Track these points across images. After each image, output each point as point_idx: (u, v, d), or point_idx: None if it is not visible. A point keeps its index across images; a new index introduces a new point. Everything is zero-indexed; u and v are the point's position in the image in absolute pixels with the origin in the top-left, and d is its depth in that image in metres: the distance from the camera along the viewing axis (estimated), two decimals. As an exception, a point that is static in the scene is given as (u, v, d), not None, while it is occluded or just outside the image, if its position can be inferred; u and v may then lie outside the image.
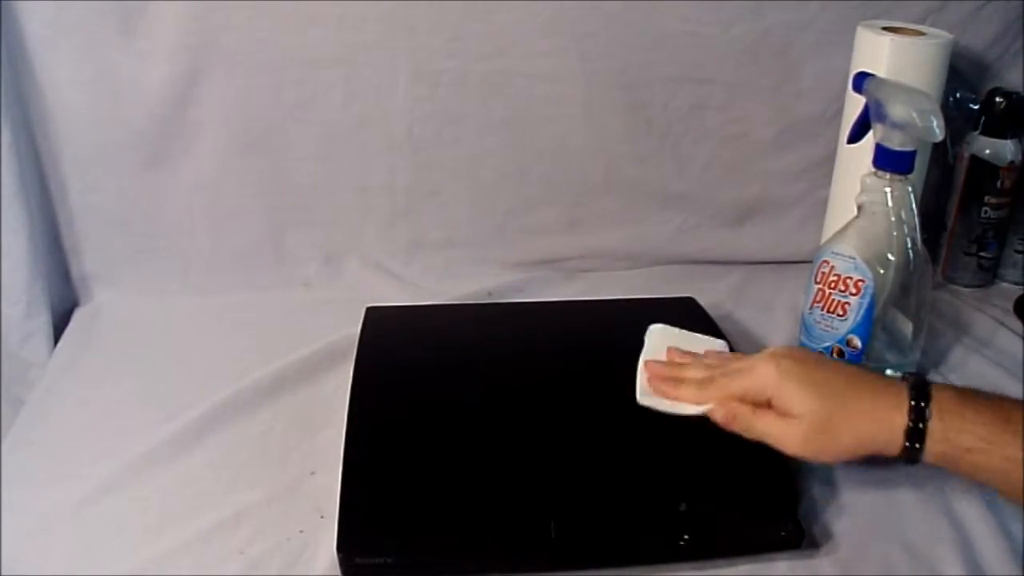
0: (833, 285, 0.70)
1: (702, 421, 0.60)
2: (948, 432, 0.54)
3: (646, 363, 0.65)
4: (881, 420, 0.55)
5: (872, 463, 0.59)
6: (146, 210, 0.87)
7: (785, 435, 0.57)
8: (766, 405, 0.58)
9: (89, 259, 0.88)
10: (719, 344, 0.69)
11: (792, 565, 0.58)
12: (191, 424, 0.69)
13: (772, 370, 0.58)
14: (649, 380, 0.63)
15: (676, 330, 0.69)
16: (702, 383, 0.61)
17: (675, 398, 0.61)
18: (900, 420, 0.55)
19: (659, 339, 0.68)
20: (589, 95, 0.89)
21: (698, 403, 0.60)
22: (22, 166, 0.79)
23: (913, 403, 0.55)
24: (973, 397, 0.56)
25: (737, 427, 0.59)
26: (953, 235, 0.94)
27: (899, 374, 0.74)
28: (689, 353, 0.66)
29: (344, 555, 0.55)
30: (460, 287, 0.90)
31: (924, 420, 0.54)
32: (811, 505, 0.62)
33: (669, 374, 0.64)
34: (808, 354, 0.62)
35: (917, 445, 0.54)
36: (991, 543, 0.59)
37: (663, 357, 0.66)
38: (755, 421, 0.58)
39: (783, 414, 0.57)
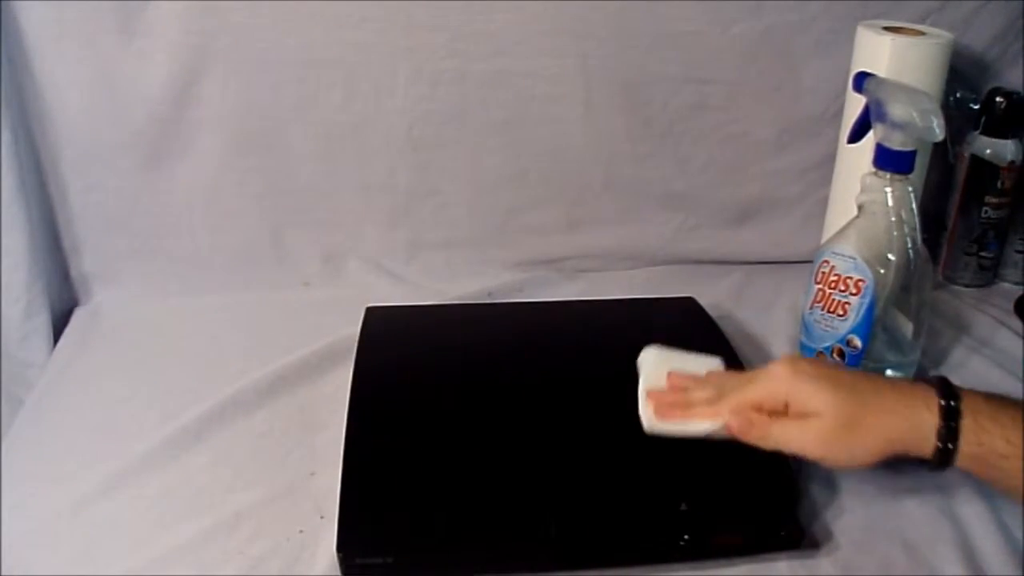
0: (833, 285, 0.70)
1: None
2: (981, 434, 0.52)
3: (648, 393, 0.60)
4: (910, 418, 0.53)
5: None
6: (146, 210, 0.87)
7: (806, 436, 0.54)
8: (783, 413, 0.56)
9: (89, 259, 0.88)
10: (715, 362, 0.65)
11: (792, 565, 0.58)
12: (191, 424, 0.69)
13: (787, 371, 0.56)
14: (656, 410, 0.59)
15: (670, 352, 0.65)
16: (711, 402, 0.58)
17: (688, 419, 0.58)
18: (931, 419, 0.52)
19: (655, 365, 0.63)
20: (589, 95, 0.89)
21: (712, 418, 0.57)
22: (22, 166, 0.79)
23: (943, 402, 0.53)
24: (1001, 400, 0.54)
25: (754, 436, 0.55)
26: (953, 235, 0.94)
27: (899, 374, 0.74)
28: (691, 376, 0.62)
29: (344, 555, 0.55)
30: (460, 287, 0.90)
31: (956, 419, 0.52)
32: (811, 505, 0.62)
33: (676, 400, 0.60)
34: (823, 361, 0.60)
35: (950, 445, 0.52)
36: (991, 543, 0.59)
37: (663, 383, 0.62)
38: (772, 427, 0.55)
39: (802, 415, 0.55)
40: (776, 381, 0.56)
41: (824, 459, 0.55)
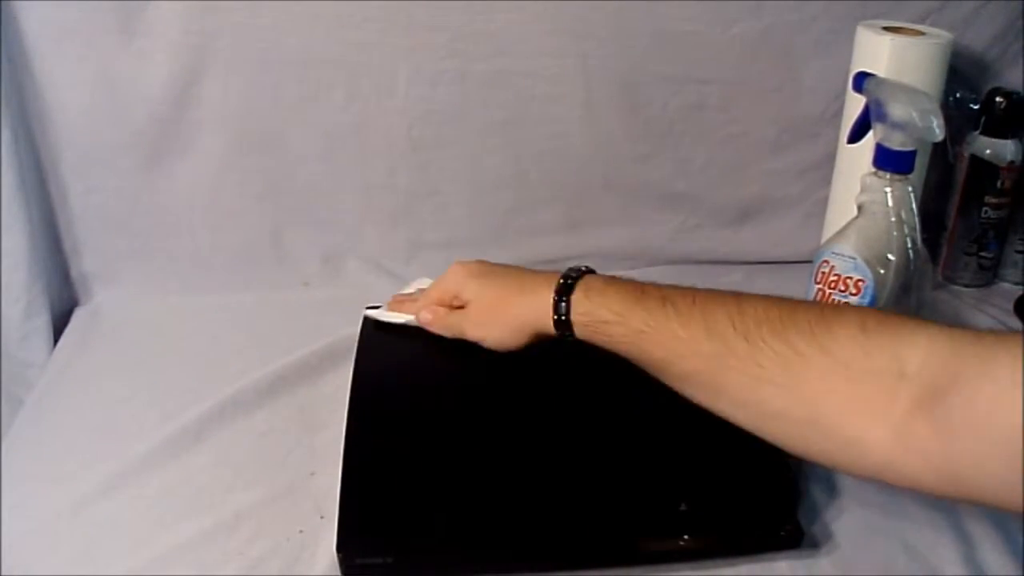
0: (833, 285, 0.70)
1: (700, 423, 0.59)
2: (590, 306, 0.60)
3: (394, 298, 0.76)
4: (536, 299, 0.62)
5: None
6: (146, 210, 0.87)
7: (466, 321, 0.67)
8: (461, 307, 0.68)
9: (89, 259, 0.88)
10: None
11: (792, 565, 0.58)
12: (191, 424, 0.69)
13: (459, 270, 0.69)
14: (388, 307, 0.75)
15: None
16: (416, 300, 0.72)
17: (398, 311, 0.73)
18: (549, 296, 0.62)
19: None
20: (589, 95, 0.89)
21: (410, 312, 0.71)
22: (22, 166, 0.79)
23: (562, 281, 0.62)
24: (620, 280, 0.62)
25: (437, 325, 0.69)
26: (953, 235, 0.94)
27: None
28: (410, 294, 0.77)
29: (344, 555, 0.55)
30: (460, 287, 0.90)
31: (568, 294, 0.61)
32: (811, 505, 0.62)
33: (402, 300, 0.75)
34: (493, 263, 0.70)
35: (563, 317, 0.61)
36: (991, 543, 0.59)
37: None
38: (448, 317, 0.68)
39: (465, 305, 0.67)
40: (448, 280, 0.69)
41: (481, 339, 0.66)
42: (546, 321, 0.62)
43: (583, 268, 0.64)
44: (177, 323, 0.85)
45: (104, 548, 0.58)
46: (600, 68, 0.88)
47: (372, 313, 0.75)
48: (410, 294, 0.76)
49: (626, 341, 0.59)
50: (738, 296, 0.57)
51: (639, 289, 0.60)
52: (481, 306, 0.67)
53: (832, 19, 0.88)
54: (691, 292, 0.59)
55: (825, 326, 0.51)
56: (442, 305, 0.69)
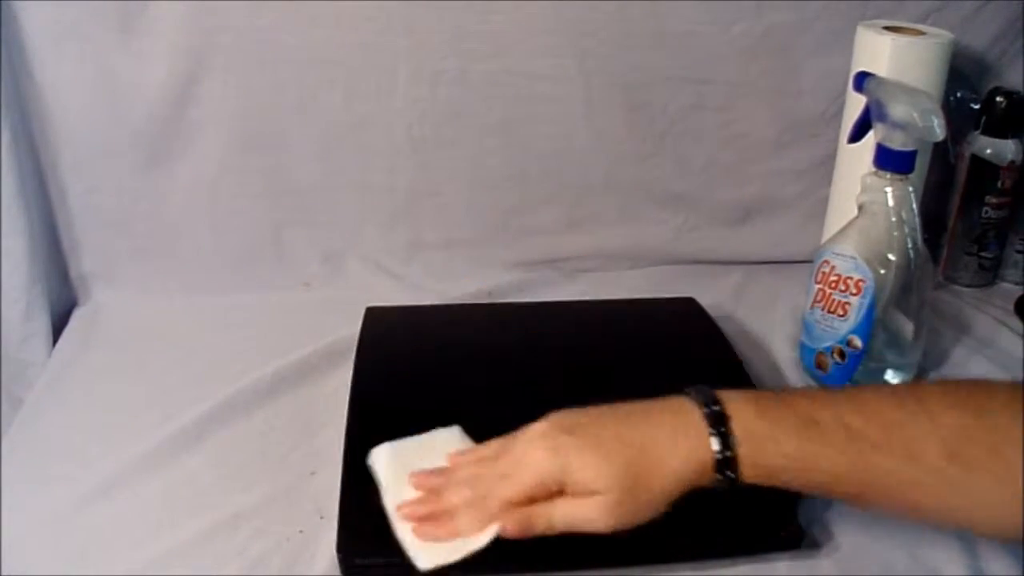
0: (834, 285, 0.70)
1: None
2: (757, 458, 0.51)
3: (398, 508, 0.54)
4: (687, 462, 0.51)
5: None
6: (146, 210, 0.87)
7: (592, 516, 0.50)
8: (558, 492, 0.51)
9: (89, 259, 0.88)
10: (453, 433, 0.60)
11: (792, 565, 0.58)
12: (191, 424, 0.69)
13: (548, 455, 0.51)
14: (416, 531, 0.52)
15: (401, 444, 0.58)
16: (474, 504, 0.52)
17: (459, 535, 0.52)
18: (707, 456, 0.51)
19: (390, 467, 0.57)
20: (589, 95, 0.89)
21: (484, 529, 0.51)
22: (22, 166, 0.79)
23: (712, 432, 0.51)
24: (774, 409, 0.52)
25: (538, 531, 0.51)
26: (954, 235, 0.94)
27: (900, 375, 0.74)
28: (436, 472, 0.56)
29: (344, 555, 0.55)
30: (460, 287, 0.90)
31: (731, 448, 0.51)
32: (811, 505, 0.62)
33: (433, 511, 0.53)
34: (574, 417, 0.54)
35: (731, 474, 0.51)
36: (991, 543, 0.59)
37: (409, 491, 0.55)
38: (554, 515, 0.51)
39: (579, 494, 0.51)
40: (541, 470, 0.51)
41: (618, 528, 0.51)
42: (707, 481, 0.52)
43: (711, 396, 0.53)
44: (177, 323, 0.85)
45: (104, 548, 0.58)
46: (600, 68, 0.88)
47: (431, 562, 0.51)
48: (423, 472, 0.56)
49: (808, 485, 0.52)
50: (920, 397, 0.51)
51: (805, 415, 0.51)
52: (620, 495, 0.50)
53: (832, 19, 0.88)
54: (865, 403, 0.52)
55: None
56: (535, 501, 0.51)
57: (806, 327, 0.74)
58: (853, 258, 0.69)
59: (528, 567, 0.56)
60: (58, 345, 0.82)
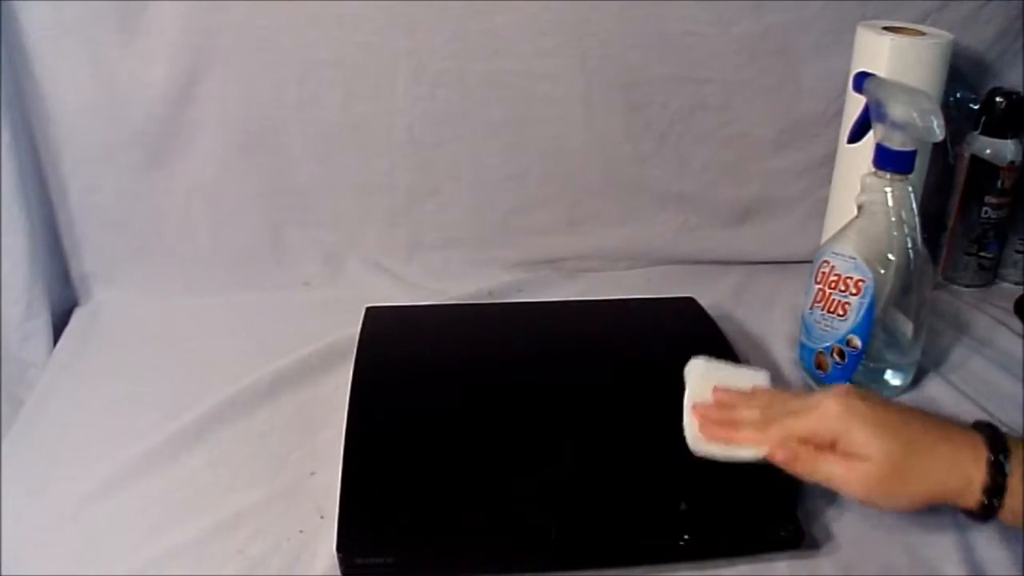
0: (833, 285, 0.70)
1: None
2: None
3: (694, 407, 0.60)
4: (957, 471, 0.53)
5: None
6: (146, 210, 0.87)
7: (852, 478, 0.54)
8: (829, 447, 0.55)
9: (89, 259, 0.88)
10: (762, 376, 0.63)
11: (792, 565, 0.58)
12: (191, 424, 0.69)
13: (839, 409, 0.55)
14: (702, 427, 0.58)
15: (717, 364, 0.64)
16: (760, 425, 0.57)
17: (734, 442, 0.57)
18: (978, 474, 0.52)
19: (701, 378, 0.62)
20: (589, 95, 0.89)
21: (757, 446, 0.56)
22: (22, 166, 0.79)
23: (992, 457, 0.52)
24: None
25: (799, 469, 0.55)
26: (953, 235, 0.94)
27: (899, 374, 0.74)
28: (737, 392, 0.61)
29: (344, 555, 0.55)
30: (460, 287, 0.90)
31: (1004, 475, 0.52)
32: (811, 505, 0.62)
33: (723, 417, 0.59)
34: (877, 395, 0.58)
35: (996, 502, 0.52)
36: (991, 543, 0.59)
37: (708, 397, 0.61)
38: (819, 463, 0.55)
39: (849, 455, 0.54)
40: (828, 419, 0.55)
41: (867, 502, 0.55)
42: (968, 502, 0.53)
43: (995, 428, 0.55)
44: (177, 323, 0.85)
45: (104, 548, 0.58)
46: (600, 68, 0.88)
47: (699, 448, 0.58)
48: (729, 393, 0.61)
49: None
50: None
51: None
52: (885, 466, 0.53)
53: (832, 19, 0.88)
54: None
55: None
56: (808, 444, 0.55)
57: (806, 327, 0.74)
58: (853, 258, 0.69)
59: (528, 567, 0.56)
60: (58, 345, 0.82)
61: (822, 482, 0.55)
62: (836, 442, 0.55)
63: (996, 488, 0.52)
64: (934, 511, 0.62)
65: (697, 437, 0.58)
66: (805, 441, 0.55)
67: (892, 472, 0.53)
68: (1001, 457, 0.52)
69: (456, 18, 0.84)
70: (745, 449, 0.57)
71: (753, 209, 0.97)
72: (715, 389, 0.61)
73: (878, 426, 0.54)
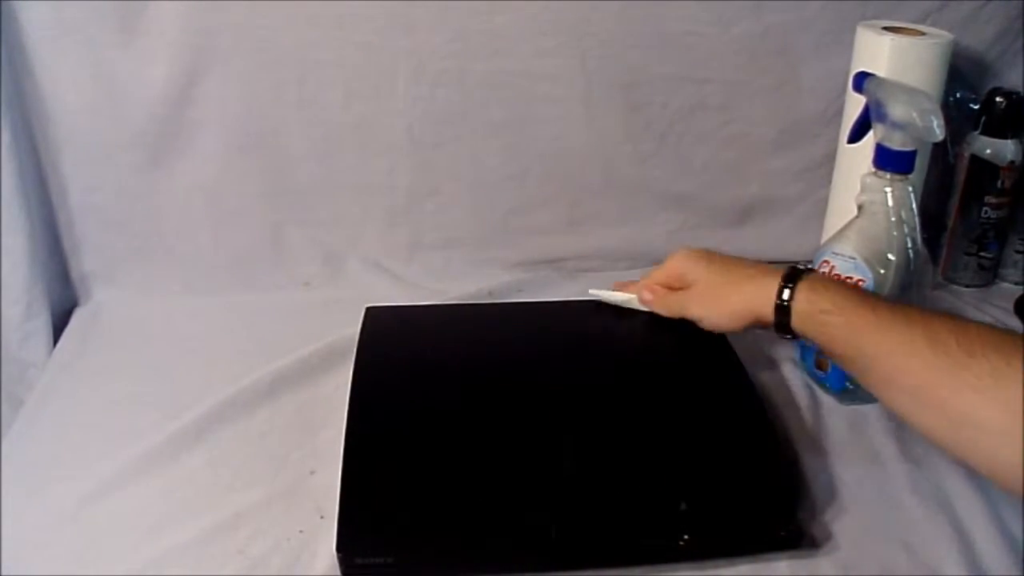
0: (833, 285, 0.70)
1: (701, 423, 0.61)
2: (811, 294, 0.62)
3: (614, 284, 0.78)
4: (763, 293, 0.65)
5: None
6: (146, 210, 0.87)
7: (689, 301, 0.70)
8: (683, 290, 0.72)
9: (89, 259, 0.88)
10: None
11: (792, 565, 0.58)
12: (191, 424, 0.69)
13: (683, 255, 0.72)
14: (613, 287, 0.78)
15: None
16: (637, 286, 0.76)
17: (622, 291, 0.76)
18: (775, 283, 0.64)
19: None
20: (589, 95, 0.89)
21: (632, 292, 0.75)
22: (22, 166, 0.79)
23: (789, 269, 0.65)
24: (842, 281, 0.66)
25: (659, 305, 0.73)
26: (953, 235, 0.94)
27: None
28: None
29: (344, 555, 0.55)
30: (460, 287, 0.90)
31: (795, 282, 0.63)
32: (811, 505, 0.62)
33: (626, 283, 0.77)
34: (713, 251, 0.73)
35: (785, 303, 0.63)
36: (991, 543, 0.59)
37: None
38: (670, 298, 0.72)
39: (689, 286, 0.71)
40: (675, 262, 0.73)
41: (702, 319, 0.69)
42: (768, 308, 0.64)
43: (807, 266, 0.67)
44: (177, 323, 0.85)
45: (104, 548, 0.58)
46: (600, 68, 0.88)
47: (596, 293, 0.78)
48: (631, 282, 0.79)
49: (842, 335, 0.60)
50: (955, 317, 0.58)
51: (863, 291, 0.65)
52: (707, 288, 0.69)
53: (832, 19, 0.88)
54: (913, 306, 0.61)
55: None
56: (665, 286, 0.73)
57: (806, 327, 0.74)
58: (853, 258, 0.69)
59: (528, 567, 0.56)
60: (58, 345, 0.82)
61: (676, 313, 0.71)
62: (684, 280, 0.72)
63: (789, 289, 0.63)
64: (934, 512, 0.62)
65: (607, 293, 0.78)
66: (665, 285, 0.73)
67: (714, 292, 0.69)
68: (789, 283, 0.64)
69: (456, 18, 0.84)
70: (622, 295, 0.76)
71: (753, 209, 0.97)
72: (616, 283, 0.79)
73: (708, 262, 0.71)
